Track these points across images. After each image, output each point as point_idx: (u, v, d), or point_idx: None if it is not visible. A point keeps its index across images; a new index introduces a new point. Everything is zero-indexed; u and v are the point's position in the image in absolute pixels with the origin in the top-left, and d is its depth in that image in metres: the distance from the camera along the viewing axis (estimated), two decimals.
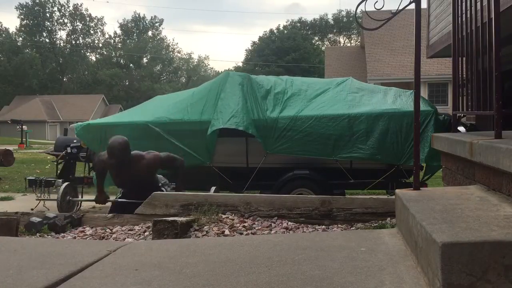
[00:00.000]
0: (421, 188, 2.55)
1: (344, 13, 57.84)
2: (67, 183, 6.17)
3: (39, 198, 6.17)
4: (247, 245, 2.42)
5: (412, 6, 2.63)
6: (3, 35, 56.45)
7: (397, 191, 2.54)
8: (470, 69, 3.01)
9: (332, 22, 58.59)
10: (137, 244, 2.78)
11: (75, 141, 6.70)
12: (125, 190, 5.03)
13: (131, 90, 56.44)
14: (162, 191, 4.80)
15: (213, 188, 5.17)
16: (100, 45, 63.14)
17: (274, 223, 3.85)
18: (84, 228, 4.10)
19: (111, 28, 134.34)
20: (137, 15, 64.86)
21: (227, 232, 3.54)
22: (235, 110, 5.59)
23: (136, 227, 3.98)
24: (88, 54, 62.20)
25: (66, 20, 60.82)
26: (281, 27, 53.78)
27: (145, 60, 62.06)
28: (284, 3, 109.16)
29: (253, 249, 2.30)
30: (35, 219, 4.00)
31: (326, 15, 61.50)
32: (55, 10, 59.75)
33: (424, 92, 18.86)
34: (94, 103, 48.57)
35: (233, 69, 54.01)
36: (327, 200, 4.05)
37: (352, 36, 58.38)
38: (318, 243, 2.34)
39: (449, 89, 17.69)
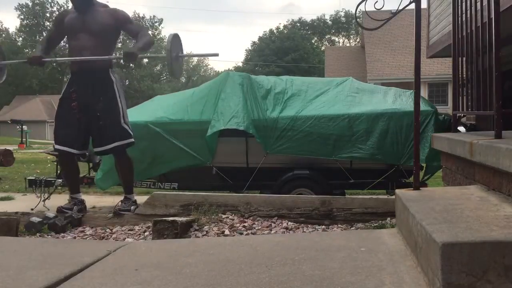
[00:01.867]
0: (421, 188, 2.55)
1: (342, 13, 57.93)
2: None
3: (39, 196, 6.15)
4: (247, 245, 2.42)
5: (412, 6, 2.63)
6: (3, 35, 56.43)
7: (397, 191, 2.54)
8: (470, 69, 3.01)
9: (330, 22, 58.58)
10: (137, 244, 2.78)
11: None
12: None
13: (131, 90, 56.31)
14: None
15: None
16: None
17: (274, 223, 3.85)
18: (84, 228, 4.10)
19: None
20: (136, 15, 64.88)
21: (227, 232, 3.53)
22: (235, 110, 5.59)
23: (136, 227, 3.98)
24: None
25: None
26: (281, 27, 53.82)
27: (145, 60, 62.04)
28: (282, 3, 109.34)
29: (253, 249, 2.30)
30: (35, 219, 3.99)
31: (324, 15, 61.57)
32: (55, 10, 59.81)
33: (424, 92, 18.89)
34: None
35: (233, 69, 54.00)
36: (327, 200, 4.04)
37: (351, 36, 58.38)
38: (318, 243, 2.34)
39: (449, 89, 17.69)
